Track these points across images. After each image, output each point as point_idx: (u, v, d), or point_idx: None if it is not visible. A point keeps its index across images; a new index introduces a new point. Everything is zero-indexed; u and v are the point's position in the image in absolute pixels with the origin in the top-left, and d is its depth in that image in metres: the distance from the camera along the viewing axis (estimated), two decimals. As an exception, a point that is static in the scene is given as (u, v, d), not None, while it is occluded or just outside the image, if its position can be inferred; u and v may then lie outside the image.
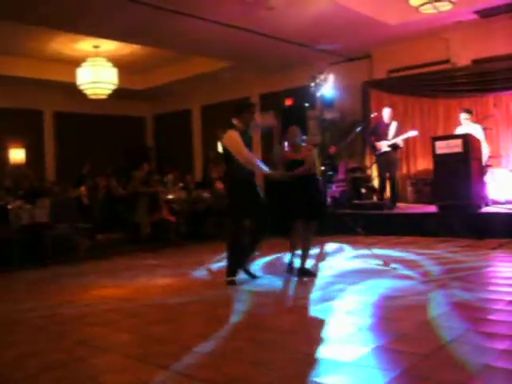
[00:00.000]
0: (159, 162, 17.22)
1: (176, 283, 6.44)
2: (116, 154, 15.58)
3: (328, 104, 11.31)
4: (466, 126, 9.96)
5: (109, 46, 12.29)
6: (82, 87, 12.52)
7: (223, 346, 3.81)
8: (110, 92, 12.78)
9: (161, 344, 3.95)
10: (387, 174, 10.81)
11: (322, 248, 8.16)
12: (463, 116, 10.09)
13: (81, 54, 12.53)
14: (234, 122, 6.26)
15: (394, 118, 10.81)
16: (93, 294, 5.99)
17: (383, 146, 10.51)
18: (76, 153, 14.73)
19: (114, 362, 3.64)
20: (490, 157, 10.23)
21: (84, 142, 15.27)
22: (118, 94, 13.31)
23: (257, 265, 7.29)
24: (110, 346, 3.98)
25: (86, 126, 15.60)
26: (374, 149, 10.79)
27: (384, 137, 10.54)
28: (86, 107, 14.94)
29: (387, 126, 10.61)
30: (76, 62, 12.45)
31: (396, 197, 10.80)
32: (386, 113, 10.82)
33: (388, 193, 11.13)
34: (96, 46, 12.36)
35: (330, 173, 11.28)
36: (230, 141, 6.16)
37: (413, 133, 10.58)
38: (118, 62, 12.62)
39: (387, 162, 10.61)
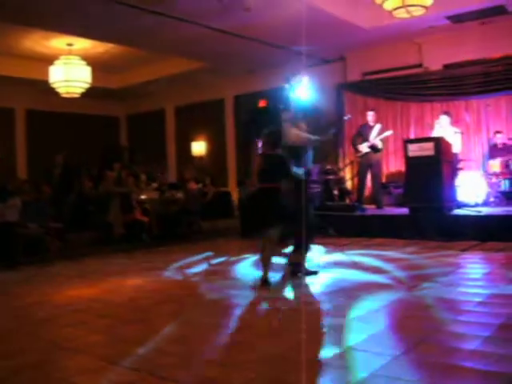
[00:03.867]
0: (132, 162, 17.13)
1: (148, 284, 6.41)
2: (89, 154, 15.45)
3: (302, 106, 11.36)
4: (445, 128, 10.14)
5: (83, 44, 12.18)
6: (54, 85, 12.37)
7: (196, 347, 3.81)
8: (83, 91, 12.65)
9: (133, 345, 3.92)
10: (368, 176, 10.94)
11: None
12: (446, 119, 10.27)
13: (54, 51, 12.38)
14: None
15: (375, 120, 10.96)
16: (64, 295, 5.93)
17: (363, 147, 10.64)
18: (48, 151, 14.57)
19: (85, 363, 3.61)
20: (460, 160, 10.42)
21: (56, 140, 15.11)
22: (91, 93, 13.19)
23: (234, 265, 7.34)
24: (82, 347, 3.95)
25: (58, 125, 15.45)
26: (357, 151, 10.91)
27: (367, 139, 10.68)
28: (59, 105, 14.80)
29: (371, 128, 10.75)
30: (49, 60, 12.29)
31: (380, 198, 10.92)
32: (370, 116, 10.96)
33: (367, 194, 11.31)
34: (69, 44, 12.24)
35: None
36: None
37: (388, 132, 10.76)
38: (91, 61, 12.51)
39: (368, 164, 10.75)
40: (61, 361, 3.70)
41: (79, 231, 10.73)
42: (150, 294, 5.83)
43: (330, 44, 11.91)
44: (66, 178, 11.35)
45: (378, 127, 10.72)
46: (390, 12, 8.63)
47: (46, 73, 12.27)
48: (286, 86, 11.24)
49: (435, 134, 10.16)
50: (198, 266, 7.59)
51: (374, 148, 10.61)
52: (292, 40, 11.40)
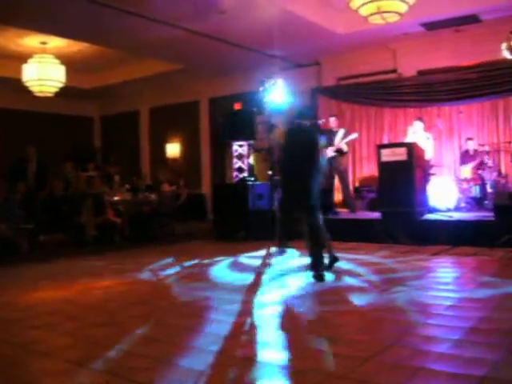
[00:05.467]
0: (106, 163, 17.00)
1: (118, 286, 6.35)
2: (62, 154, 15.27)
3: (276, 109, 11.40)
4: (419, 133, 10.25)
5: (57, 42, 12.06)
6: (27, 84, 12.22)
7: (164, 350, 3.78)
8: (56, 90, 12.52)
9: (102, 347, 3.88)
10: (336, 180, 10.99)
11: (267, 252, 8.22)
12: (419, 125, 10.37)
13: (27, 50, 12.24)
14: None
15: (341, 125, 11.00)
16: (33, 297, 5.84)
17: (329, 152, 10.68)
18: (20, 151, 14.35)
19: (53, 366, 3.55)
20: (432, 165, 10.54)
21: (29, 139, 14.86)
22: (65, 93, 13.05)
23: (205, 268, 7.32)
24: (50, 350, 3.88)
25: (31, 124, 15.25)
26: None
27: (331, 143, 10.72)
28: (32, 105, 14.62)
29: (334, 133, 10.79)
30: (22, 58, 12.13)
31: (352, 201, 10.98)
32: (332, 121, 11.01)
33: (339, 197, 11.36)
34: (43, 43, 12.11)
35: (277, 177, 11.37)
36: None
37: (353, 136, 10.81)
38: (66, 60, 12.37)
39: (334, 168, 10.80)
40: (28, 364, 3.63)
41: (51, 232, 10.58)
42: (120, 295, 5.77)
43: (305, 48, 11.97)
44: (41, 173, 11.10)
45: (341, 132, 10.78)
46: (365, 18, 8.69)
47: (19, 71, 12.11)
48: (261, 89, 11.34)
49: (408, 139, 10.26)
50: (170, 268, 7.55)
51: (339, 151, 10.68)
52: (267, 44, 11.45)
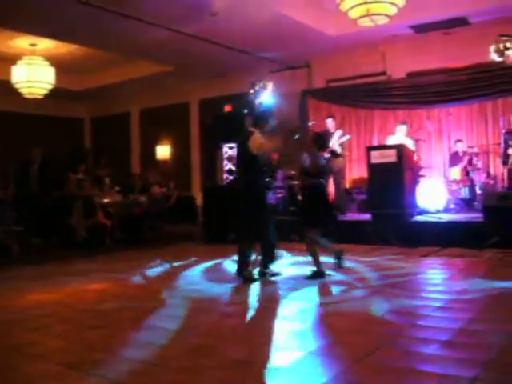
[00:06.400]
0: (96, 165, 16.93)
1: (110, 288, 6.36)
2: (52, 156, 15.21)
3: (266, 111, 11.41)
4: (400, 137, 10.29)
5: (46, 44, 12.02)
6: (17, 86, 12.17)
7: (157, 353, 3.80)
8: (46, 92, 12.47)
9: (94, 350, 3.89)
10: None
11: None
12: (403, 128, 10.42)
13: (17, 51, 12.18)
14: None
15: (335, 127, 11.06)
16: (26, 299, 5.83)
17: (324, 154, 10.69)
18: (9, 153, 14.31)
19: (45, 369, 3.55)
20: (422, 167, 10.61)
21: (18, 142, 14.82)
22: (55, 94, 13.00)
23: (197, 270, 7.34)
24: (43, 353, 3.89)
25: (21, 126, 15.17)
26: None
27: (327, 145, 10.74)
28: (22, 106, 14.53)
29: (331, 135, 10.80)
30: (11, 60, 12.08)
31: (343, 204, 10.95)
32: (329, 123, 11.01)
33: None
34: (33, 44, 12.07)
35: (268, 179, 11.38)
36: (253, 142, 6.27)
37: (345, 137, 10.84)
38: (55, 62, 12.33)
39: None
40: (21, 366, 3.64)
41: (42, 235, 10.54)
42: (112, 298, 5.78)
43: (296, 50, 11.99)
44: (45, 175, 11.02)
45: (338, 133, 10.79)
46: (354, 20, 8.73)
47: (9, 73, 12.06)
48: (251, 91, 11.37)
49: (394, 140, 10.28)
50: (161, 270, 7.56)
51: (333, 153, 10.68)
52: (258, 46, 11.48)
